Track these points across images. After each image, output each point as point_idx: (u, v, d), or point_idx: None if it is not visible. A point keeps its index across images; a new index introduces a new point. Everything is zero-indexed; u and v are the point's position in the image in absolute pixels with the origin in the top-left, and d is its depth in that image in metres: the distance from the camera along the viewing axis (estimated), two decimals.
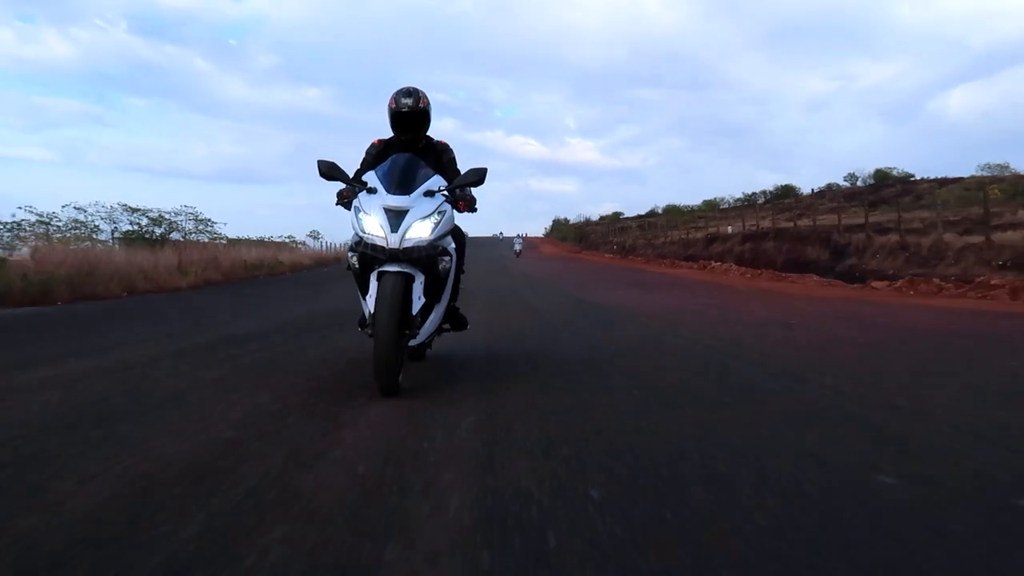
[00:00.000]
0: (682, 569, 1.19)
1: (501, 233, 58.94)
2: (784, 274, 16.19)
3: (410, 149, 3.09)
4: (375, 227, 2.66)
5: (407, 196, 2.71)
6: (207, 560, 1.22)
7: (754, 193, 53.30)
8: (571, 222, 64.68)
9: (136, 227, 18.22)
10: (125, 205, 18.29)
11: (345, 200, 2.94)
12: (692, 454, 1.91)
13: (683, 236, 31.44)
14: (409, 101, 3.06)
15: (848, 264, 17.19)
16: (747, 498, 1.54)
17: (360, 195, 2.78)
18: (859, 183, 49.04)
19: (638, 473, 1.74)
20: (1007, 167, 42.81)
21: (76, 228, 17.22)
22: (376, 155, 3.17)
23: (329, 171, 2.83)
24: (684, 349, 4.38)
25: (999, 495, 1.59)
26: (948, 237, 15.34)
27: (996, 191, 30.16)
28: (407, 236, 2.65)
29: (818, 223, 20.99)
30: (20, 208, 17.90)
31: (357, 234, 2.74)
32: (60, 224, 16.97)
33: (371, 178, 2.81)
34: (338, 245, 29.89)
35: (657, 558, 1.23)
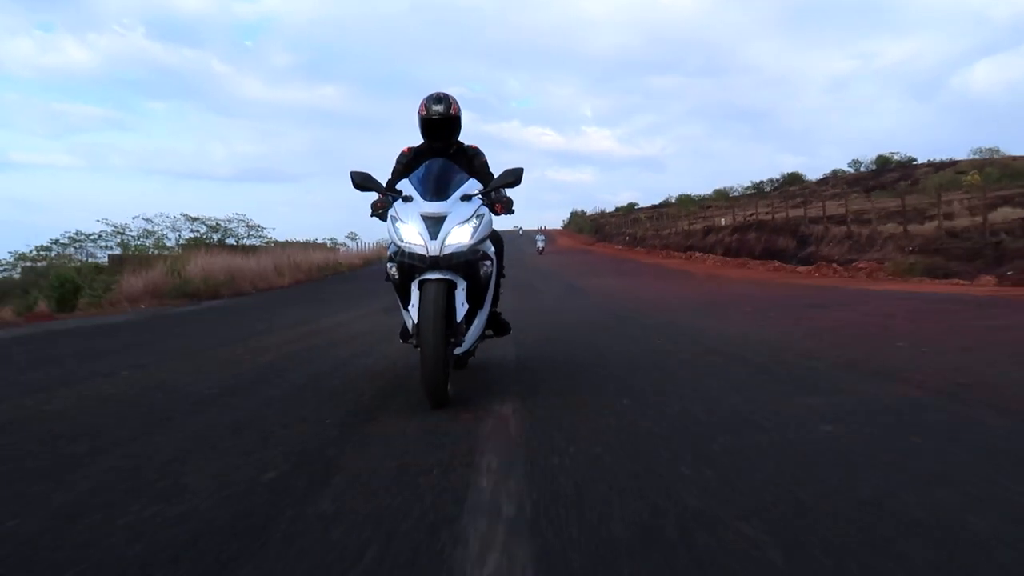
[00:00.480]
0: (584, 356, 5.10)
1: (520, 229, 60.81)
2: (751, 261, 19.78)
3: (441, 155, 3.06)
4: (414, 235, 2.64)
5: (444, 202, 2.69)
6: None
7: (762, 181, 56.14)
8: (587, 214, 67.80)
9: (196, 234, 21.94)
10: (186, 215, 22.10)
11: (380, 211, 2.94)
12: (585, 344, 5.80)
13: (686, 227, 34.89)
14: (440, 108, 3.06)
15: (808, 252, 20.69)
16: (609, 352, 5.44)
17: (396, 204, 2.77)
18: (863, 168, 51.43)
19: (569, 346, 5.63)
20: (997, 151, 44.91)
21: (146, 237, 20.80)
22: (407, 163, 3.16)
23: (363, 182, 2.86)
24: (600, 307, 8.27)
25: (707, 349, 5.42)
26: (887, 227, 18.71)
27: (976, 177, 32.79)
28: (447, 242, 2.62)
29: (791, 216, 24.40)
30: (98, 220, 21.70)
31: (395, 243, 2.72)
32: (133, 234, 20.66)
33: (405, 186, 2.80)
34: (372, 244, 32.12)
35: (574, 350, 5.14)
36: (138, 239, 20.79)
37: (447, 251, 2.61)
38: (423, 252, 2.61)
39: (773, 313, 6.80)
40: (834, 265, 13.70)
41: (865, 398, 2.69)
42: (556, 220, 79.24)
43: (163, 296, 11.12)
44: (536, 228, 64.82)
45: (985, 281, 9.89)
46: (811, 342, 4.62)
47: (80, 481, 1.87)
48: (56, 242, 20.45)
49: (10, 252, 19.77)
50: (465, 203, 2.73)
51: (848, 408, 2.51)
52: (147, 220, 20.73)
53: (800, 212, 24.68)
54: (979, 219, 13.72)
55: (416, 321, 2.58)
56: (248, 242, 22.55)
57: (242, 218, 22.63)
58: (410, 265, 2.66)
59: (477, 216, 2.74)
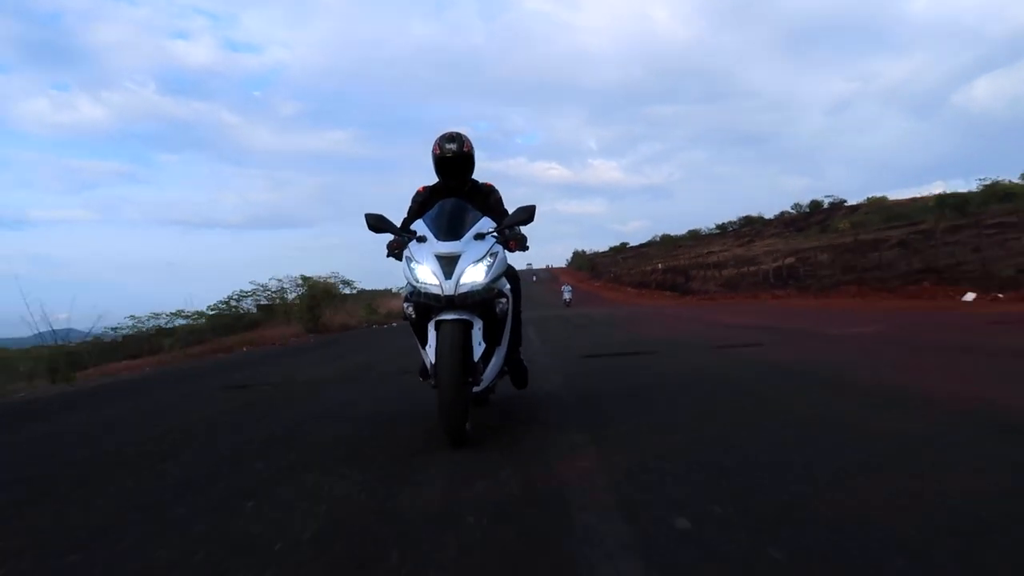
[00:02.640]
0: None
1: (533, 271, 65.59)
2: (654, 291, 32.07)
3: (456, 194, 3.11)
4: (428, 275, 2.68)
5: (458, 241, 2.72)
6: None
7: (724, 223, 68.23)
8: (587, 253, 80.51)
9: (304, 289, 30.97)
10: (302, 276, 31.07)
11: (396, 251, 2.95)
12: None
13: (645, 268, 47.34)
14: (453, 146, 3.13)
15: (690, 286, 33.09)
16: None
17: (411, 245, 2.81)
18: (804, 209, 62.94)
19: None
20: (883, 198, 55.71)
21: (277, 292, 26.32)
22: (422, 202, 3.21)
23: (377, 223, 2.91)
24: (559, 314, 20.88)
25: (577, 326, 17.93)
26: (727, 271, 30.96)
27: (845, 224, 44.33)
28: (462, 282, 2.65)
29: (692, 260, 36.85)
30: (251, 282, 29.22)
31: (411, 284, 2.76)
32: (268, 291, 26.44)
33: (420, 226, 2.84)
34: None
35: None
36: (275, 294, 30.73)
37: (462, 290, 2.63)
38: (438, 292, 2.63)
39: (623, 312, 19.22)
40: (667, 292, 25.95)
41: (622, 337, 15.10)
42: (569, 251, 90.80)
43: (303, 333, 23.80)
44: (543, 267, 76.28)
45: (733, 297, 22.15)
46: (614, 319, 17.11)
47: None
48: (231, 298, 30.92)
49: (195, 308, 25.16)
50: (479, 242, 2.75)
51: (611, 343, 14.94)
52: (278, 280, 25.63)
53: (742, 251, 37.17)
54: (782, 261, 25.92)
55: (433, 361, 2.62)
56: (346, 291, 28.52)
57: (337, 276, 27.82)
58: (426, 305, 2.69)
59: (491, 254, 2.76)
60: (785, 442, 2.30)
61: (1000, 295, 12.12)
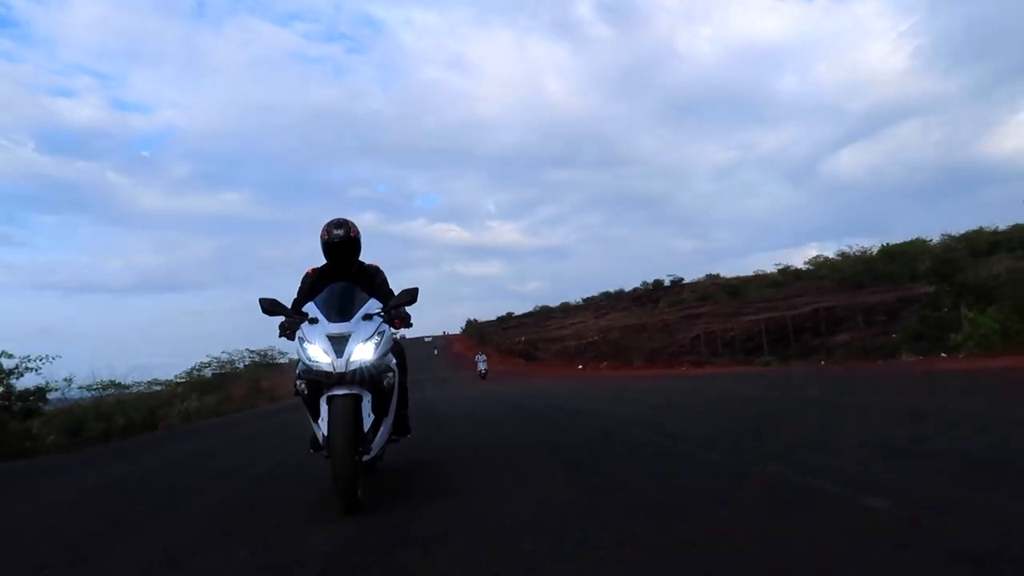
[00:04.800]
0: None
1: (427, 339, 68.45)
2: (516, 358, 42.71)
3: (344, 275, 3.35)
4: (320, 354, 2.87)
5: (347, 322, 2.94)
6: None
7: (590, 296, 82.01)
8: (479, 321, 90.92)
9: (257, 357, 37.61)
10: (249, 349, 31.89)
11: (287, 332, 3.11)
12: None
13: (515, 339, 58.32)
14: (340, 232, 3.37)
15: (536, 355, 44.27)
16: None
17: (303, 326, 2.99)
18: (650, 286, 77.98)
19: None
20: (717, 276, 72.14)
21: (230, 362, 36.89)
22: (312, 284, 3.42)
23: (271, 307, 3.10)
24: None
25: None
26: (557, 345, 42.47)
27: (664, 304, 58.20)
28: (351, 359, 2.85)
29: (540, 336, 48.40)
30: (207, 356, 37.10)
31: (303, 363, 2.94)
32: (223, 360, 37.71)
33: (311, 308, 3.04)
34: None
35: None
36: (225, 364, 31.84)
37: (352, 367, 2.83)
38: (330, 369, 2.83)
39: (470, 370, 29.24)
40: (521, 361, 36.68)
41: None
42: (468, 312, 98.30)
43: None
44: (440, 333, 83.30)
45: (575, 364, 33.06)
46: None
47: None
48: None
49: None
50: (367, 322, 2.97)
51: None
52: (227, 353, 31.36)
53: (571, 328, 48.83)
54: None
55: (326, 434, 2.79)
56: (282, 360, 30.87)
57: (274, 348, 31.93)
58: (317, 381, 2.89)
59: (379, 333, 2.97)
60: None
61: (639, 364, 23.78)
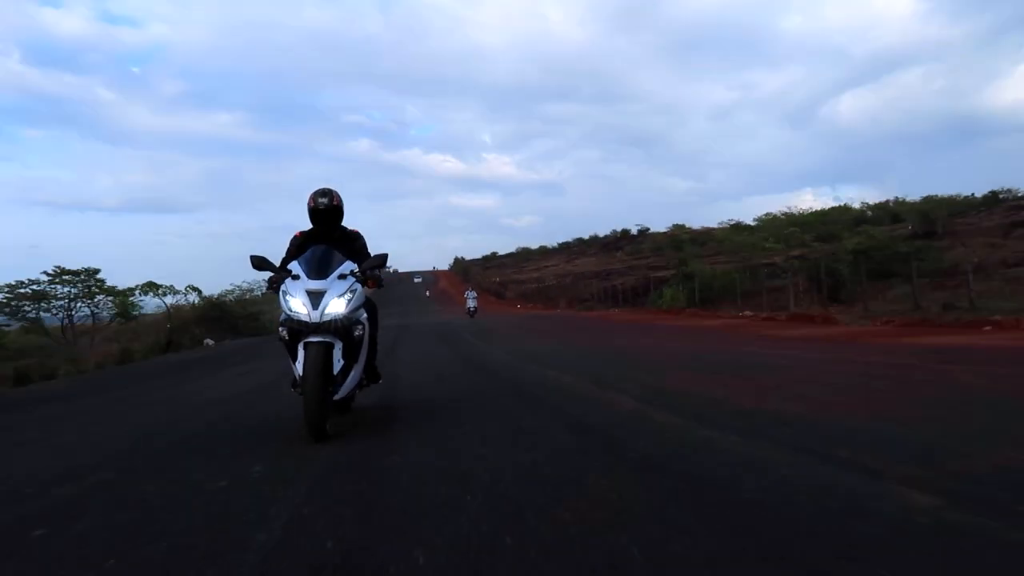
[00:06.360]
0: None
1: (419, 279, 71.69)
2: (489, 296, 51.30)
3: (327, 239, 3.71)
4: (299, 306, 3.31)
5: (324, 280, 3.37)
6: None
7: (566, 240, 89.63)
8: (465, 259, 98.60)
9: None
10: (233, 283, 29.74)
11: (275, 286, 3.51)
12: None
13: (492, 279, 66.60)
14: (325, 200, 3.74)
15: (505, 294, 52.88)
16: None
17: (287, 281, 3.42)
18: (617, 233, 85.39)
19: None
20: (683, 225, 78.79)
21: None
22: (299, 246, 3.77)
23: (260, 264, 3.52)
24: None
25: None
26: (523, 287, 50.99)
27: (623, 254, 66.30)
28: (326, 312, 3.29)
29: (510, 277, 56.82)
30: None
31: (285, 313, 3.36)
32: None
33: (294, 267, 3.47)
34: None
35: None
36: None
37: (326, 318, 3.27)
38: (307, 320, 3.27)
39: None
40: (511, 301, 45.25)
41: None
42: (461, 244, 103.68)
43: None
44: (429, 269, 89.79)
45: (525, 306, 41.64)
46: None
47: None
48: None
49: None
50: (342, 280, 3.41)
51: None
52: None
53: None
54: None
55: (300, 374, 3.24)
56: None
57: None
58: (297, 330, 3.31)
59: (351, 291, 3.40)
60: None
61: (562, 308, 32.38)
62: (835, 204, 47.87)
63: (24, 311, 19.79)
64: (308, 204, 3.77)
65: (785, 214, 48.69)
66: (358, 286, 3.50)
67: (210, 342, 19.29)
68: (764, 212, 52.03)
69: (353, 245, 3.88)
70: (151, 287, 21.84)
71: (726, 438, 2.98)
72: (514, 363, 7.67)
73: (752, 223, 49.90)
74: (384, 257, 3.63)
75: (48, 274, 20.50)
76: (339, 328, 3.33)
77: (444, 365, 7.86)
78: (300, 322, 3.30)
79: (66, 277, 20.34)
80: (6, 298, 19.36)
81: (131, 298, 21.48)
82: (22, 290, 19.88)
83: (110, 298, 21.49)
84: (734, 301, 21.03)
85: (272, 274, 3.53)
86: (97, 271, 21.39)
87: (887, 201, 49.64)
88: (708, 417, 3.52)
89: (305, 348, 3.27)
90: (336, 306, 3.33)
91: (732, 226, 60.38)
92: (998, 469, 2.32)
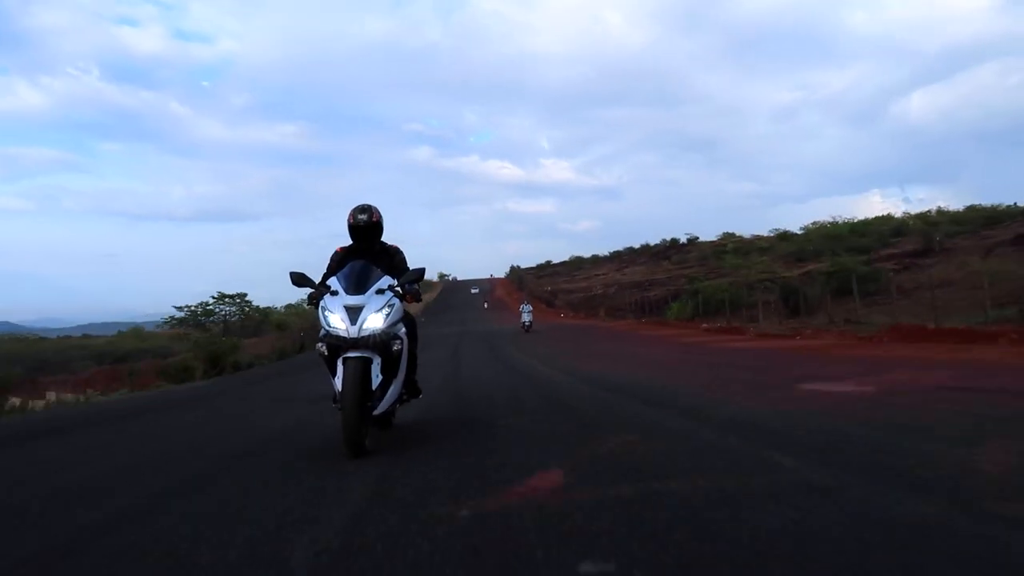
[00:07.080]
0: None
1: (476, 290, 72.78)
2: (541, 303, 57.57)
3: (367, 254, 3.83)
4: (338, 322, 3.37)
5: (362, 295, 3.43)
6: None
7: (617, 251, 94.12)
8: (521, 268, 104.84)
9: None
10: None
11: (315, 301, 3.60)
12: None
13: (544, 288, 72.65)
14: (364, 217, 3.87)
15: (555, 302, 58.97)
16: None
17: (325, 297, 3.50)
18: (667, 242, 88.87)
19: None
20: (733, 234, 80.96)
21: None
22: (339, 261, 3.88)
23: (299, 280, 3.63)
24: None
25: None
26: (571, 296, 56.84)
27: (669, 264, 70.57)
28: (364, 327, 3.34)
29: (561, 287, 62.86)
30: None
31: (324, 328, 3.43)
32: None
33: (333, 282, 3.56)
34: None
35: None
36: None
37: (364, 333, 3.32)
38: (345, 335, 3.32)
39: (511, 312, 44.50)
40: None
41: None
42: (520, 249, 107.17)
43: None
44: (486, 277, 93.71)
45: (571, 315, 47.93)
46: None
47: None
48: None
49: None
50: (379, 295, 3.46)
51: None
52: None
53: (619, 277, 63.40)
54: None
55: (339, 390, 3.29)
56: None
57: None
58: (336, 345, 3.37)
59: (389, 306, 3.44)
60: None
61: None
62: (894, 209, 49.85)
63: (200, 322, 30.42)
64: (348, 220, 3.90)
65: (831, 223, 52.14)
66: (396, 301, 3.56)
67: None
68: (811, 221, 55.56)
69: (392, 260, 3.99)
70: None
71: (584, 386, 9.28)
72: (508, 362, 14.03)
73: (799, 231, 53.26)
74: (422, 271, 3.75)
75: (213, 297, 32.07)
76: (377, 343, 3.40)
77: (482, 365, 12.21)
78: (339, 337, 3.38)
79: (226, 299, 29.74)
80: (191, 313, 29.09)
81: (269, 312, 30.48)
82: (195, 308, 30.36)
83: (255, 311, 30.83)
84: (723, 313, 26.39)
85: (312, 290, 3.63)
86: (245, 295, 31.84)
87: (928, 211, 52.01)
88: (563, 366, 9.82)
89: (344, 363, 3.35)
90: (374, 321, 3.40)
91: (779, 235, 63.26)
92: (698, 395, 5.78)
